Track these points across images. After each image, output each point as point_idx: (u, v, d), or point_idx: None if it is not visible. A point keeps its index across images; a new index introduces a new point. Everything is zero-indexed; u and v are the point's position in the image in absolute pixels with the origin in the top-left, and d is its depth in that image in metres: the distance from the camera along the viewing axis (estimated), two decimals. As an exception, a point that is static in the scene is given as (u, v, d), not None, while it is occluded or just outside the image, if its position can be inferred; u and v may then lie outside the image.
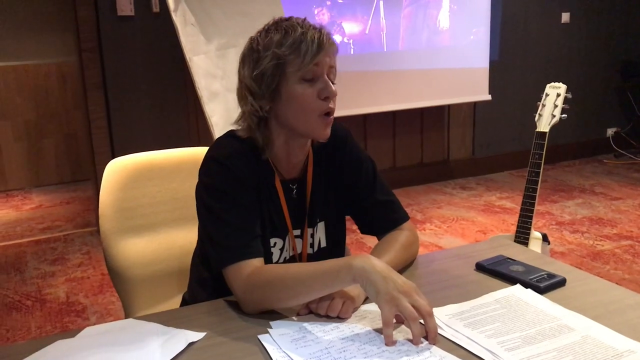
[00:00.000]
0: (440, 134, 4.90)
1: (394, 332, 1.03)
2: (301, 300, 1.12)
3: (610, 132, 5.58)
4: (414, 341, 1.01)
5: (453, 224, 3.92)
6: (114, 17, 3.66)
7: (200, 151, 1.71)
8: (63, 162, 5.19)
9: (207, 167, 1.26)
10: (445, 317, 1.10)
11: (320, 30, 1.22)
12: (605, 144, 5.54)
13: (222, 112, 2.51)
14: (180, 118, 3.93)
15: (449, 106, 4.83)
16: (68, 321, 2.78)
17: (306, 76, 1.20)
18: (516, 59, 5.01)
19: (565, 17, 5.13)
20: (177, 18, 2.47)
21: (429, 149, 4.87)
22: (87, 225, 4.09)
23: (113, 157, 3.97)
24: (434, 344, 1.01)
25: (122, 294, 1.59)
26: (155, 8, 3.72)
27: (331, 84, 1.22)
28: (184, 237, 1.65)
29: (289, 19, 1.24)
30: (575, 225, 3.82)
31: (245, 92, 1.25)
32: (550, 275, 1.25)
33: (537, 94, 4.96)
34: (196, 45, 2.51)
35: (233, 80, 2.67)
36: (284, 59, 1.19)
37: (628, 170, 5.09)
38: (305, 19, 1.24)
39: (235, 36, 2.63)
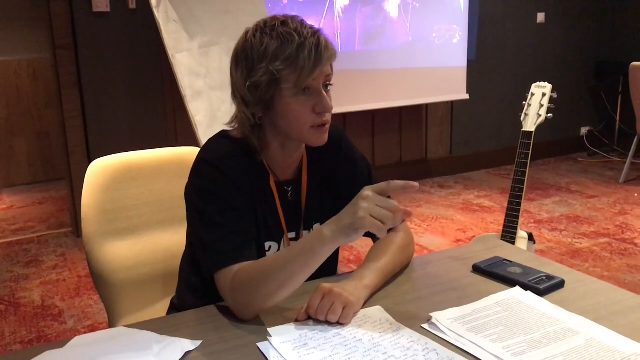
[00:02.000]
0: (418, 133, 4.91)
1: (395, 337, 1.00)
2: (288, 290, 1.09)
3: (584, 131, 5.66)
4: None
5: (433, 223, 3.92)
6: (90, 13, 3.57)
7: (185, 151, 1.67)
8: (35, 162, 5.05)
9: (198, 168, 1.22)
10: (448, 322, 1.08)
11: (318, 38, 1.15)
12: (579, 143, 5.61)
13: (206, 111, 2.46)
14: (158, 116, 3.86)
15: (427, 105, 4.84)
16: (44, 326, 2.70)
17: (302, 89, 1.16)
18: (493, 58, 5.05)
19: (541, 17, 5.18)
20: (159, 14, 2.41)
21: (407, 147, 4.87)
22: (62, 226, 3.99)
23: (89, 156, 3.91)
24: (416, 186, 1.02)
25: (106, 299, 1.54)
26: (132, 4, 3.64)
27: (327, 98, 1.18)
28: (169, 240, 1.61)
29: (286, 22, 1.17)
30: (554, 224, 3.85)
31: (238, 97, 1.21)
32: (549, 277, 1.24)
33: (514, 93, 5.02)
34: (179, 42, 2.45)
35: (216, 78, 2.63)
36: (279, 74, 1.14)
37: (602, 168, 5.16)
38: (302, 21, 1.19)
39: (218, 34, 2.58)
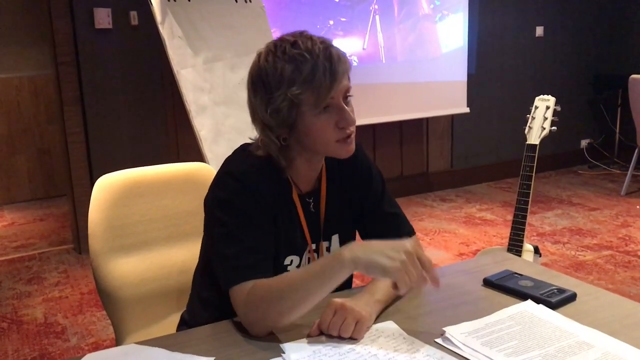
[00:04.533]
0: (419, 147, 4.92)
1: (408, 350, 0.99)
2: (303, 309, 1.09)
3: (584, 143, 5.67)
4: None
5: (436, 237, 3.92)
6: (92, 29, 3.59)
7: (191, 167, 1.67)
8: (36, 178, 5.05)
9: (222, 181, 1.21)
10: (461, 336, 1.07)
11: (330, 53, 1.15)
12: (579, 156, 5.62)
13: (211, 126, 2.47)
14: (160, 132, 3.86)
15: (427, 119, 4.85)
16: (47, 343, 2.68)
17: (322, 107, 1.16)
18: (493, 72, 5.07)
19: (540, 31, 5.22)
20: (164, 31, 2.42)
21: (408, 161, 4.88)
22: (63, 243, 3.98)
23: (90, 172, 3.90)
24: (438, 287, 1.06)
25: (113, 316, 1.54)
26: (134, 21, 3.66)
27: (349, 112, 1.18)
28: (177, 255, 1.60)
29: (296, 42, 1.16)
30: (556, 236, 3.85)
31: (260, 123, 1.21)
32: (561, 290, 1.24)
33: (514, 107, 5.02)
34: (183, 58, 2.46)
35: (220, 94, 2.64)
36: (298, 98, 1.14)
37: (602, 180, 5.17)
38: (311, 37, 1.18)
39: (222, 49, 2.59)
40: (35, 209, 4.84)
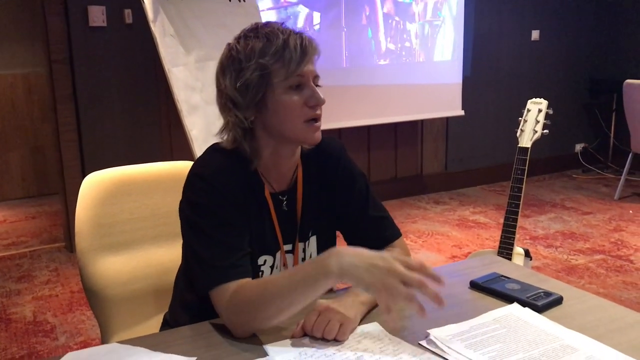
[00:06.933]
0: (413, 149, 4.92)
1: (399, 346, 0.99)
2: (288, 314, 1.08)
3: (578, 147, 5.68)
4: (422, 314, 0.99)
5: (428, 239, 3.91)
6: (86, 27, 3.57)
7: (181, 165, 1.66)
8: (29, 176, 5.03)
9: (191, 184, 1.20)
10: (446, 338, 1.07)
11: (300, 35, 1.19)
12: (573, 160, 5.63)
13: (202, 125, 2.46)
14: (153, 131, 3.85)
15: (422, 121, 4.85)
16: (36, 342, 2.66)
17: (293, 85, 1.17)
18: (488, 75, 5.07)
19: (535, 34, 5.22)
20: (155, 29, 2.41)
21: (402, 163, 4.88)
22: (55, 241, 3.96)
23: (83, 171, 3.89)
24: (444, 306, 0.98)
25: (99, 315, 1.52)
26: (128, 19, 3.65)
27: (318, 92, 1.20)
28: (164, 255, 1.59)
29: (268, 24, 1.20)
30: (549, 240, 3.85)
31: (228, 103, 1.20)
32: (547, 294, 1.23)
33: (508, 110, 5.01)
34: (175, 56, 2.45)
35: (212, 93, 2.62)
36: (269, 69, 1.16)
37: (596, 185, 5.17)
38: (283, 23, 1.22)
39: (215, 48, 2.57)
40: (27, 206, 4.82)
